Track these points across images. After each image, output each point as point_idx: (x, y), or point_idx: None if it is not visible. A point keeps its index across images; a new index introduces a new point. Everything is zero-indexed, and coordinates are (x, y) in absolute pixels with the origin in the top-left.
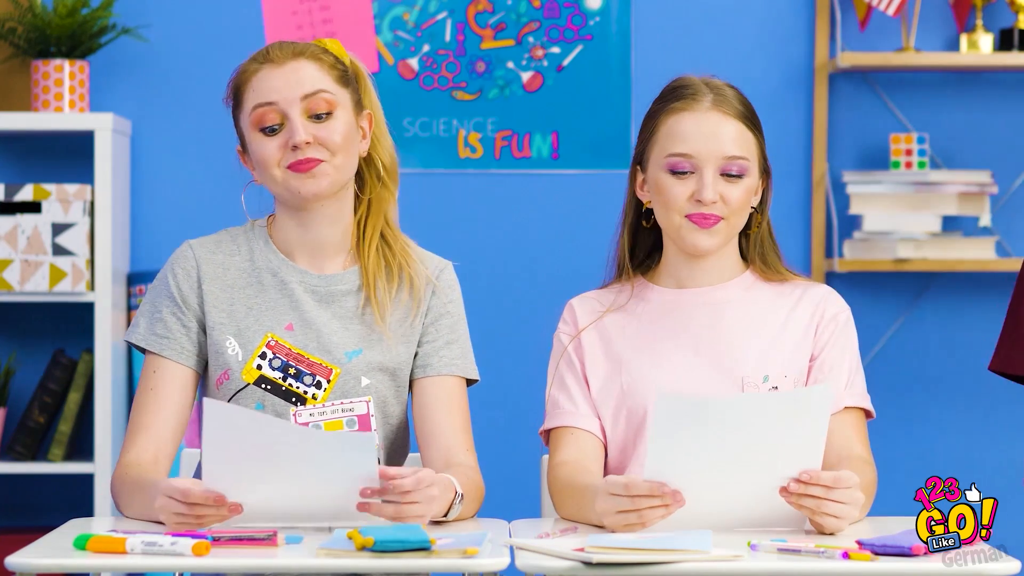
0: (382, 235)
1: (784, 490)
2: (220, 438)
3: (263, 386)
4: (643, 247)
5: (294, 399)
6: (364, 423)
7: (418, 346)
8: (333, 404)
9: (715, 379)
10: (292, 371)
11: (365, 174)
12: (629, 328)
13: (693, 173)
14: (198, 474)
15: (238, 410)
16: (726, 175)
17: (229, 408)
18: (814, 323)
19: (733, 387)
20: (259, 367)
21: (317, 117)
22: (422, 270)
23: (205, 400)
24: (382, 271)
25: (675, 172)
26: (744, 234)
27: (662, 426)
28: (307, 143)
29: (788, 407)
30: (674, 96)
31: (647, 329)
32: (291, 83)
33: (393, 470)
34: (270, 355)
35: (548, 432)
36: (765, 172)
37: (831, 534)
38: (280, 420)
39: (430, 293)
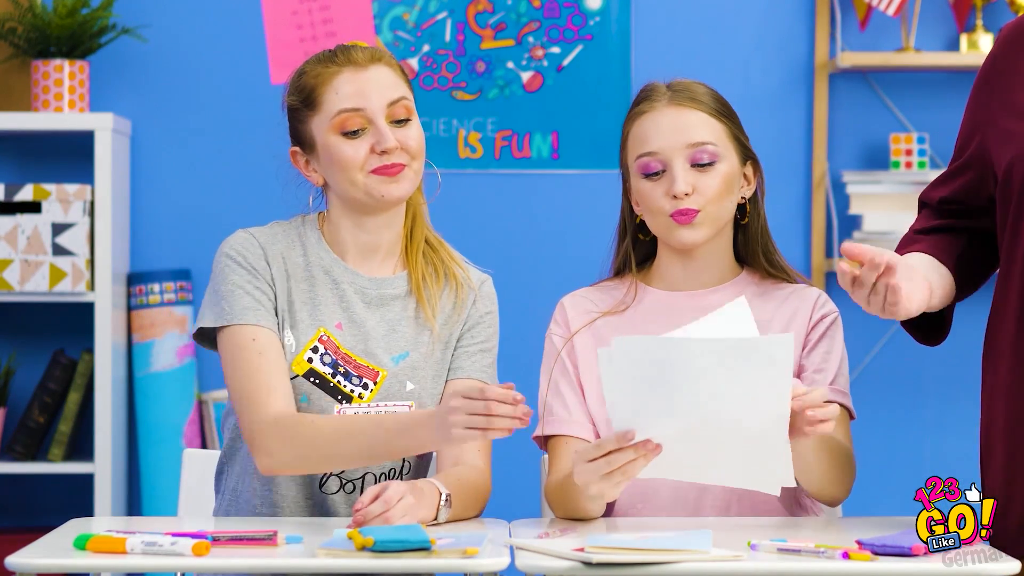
0: (426, 240)
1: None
2: (619, 373)
3: (311, 379)
4: (640, 253)
5: (340, 397)
6: None
7: (453, 350)
8: (377, 405)
9: None
10: (341, 370)
11: None
12: (622, 329)
13: (665, 171)
14: (219, 475)
15: (634, 340)
16: (697, 165)
17: (627, 341)
18: (804, 329)
19: None
20: (310, 360)
21: (398, 122)
22: (466, 277)
23: (600, 351)
24: (430, 274)
25: (648, 175)
26: (739, 230)
27: (613, 375)
28: (395, 148)
29: (743, 353)
30: (635, 102)
31: (640, 331)
32: (377, 88)
33: (359, 502)
34: (322, 349)
35: (542, 438)
36: (750, 161)
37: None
38: (678, 340)
39: (471, 301)
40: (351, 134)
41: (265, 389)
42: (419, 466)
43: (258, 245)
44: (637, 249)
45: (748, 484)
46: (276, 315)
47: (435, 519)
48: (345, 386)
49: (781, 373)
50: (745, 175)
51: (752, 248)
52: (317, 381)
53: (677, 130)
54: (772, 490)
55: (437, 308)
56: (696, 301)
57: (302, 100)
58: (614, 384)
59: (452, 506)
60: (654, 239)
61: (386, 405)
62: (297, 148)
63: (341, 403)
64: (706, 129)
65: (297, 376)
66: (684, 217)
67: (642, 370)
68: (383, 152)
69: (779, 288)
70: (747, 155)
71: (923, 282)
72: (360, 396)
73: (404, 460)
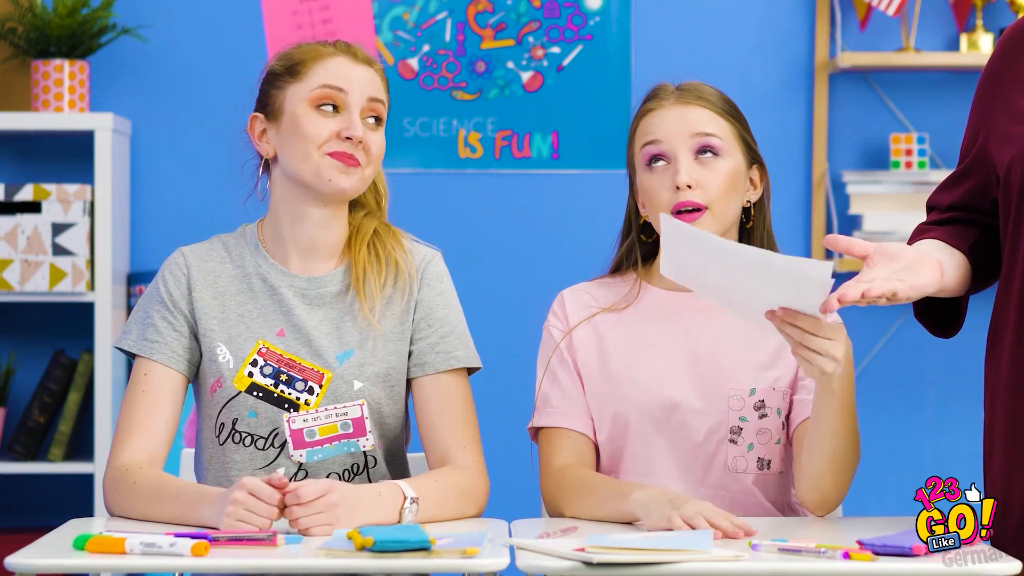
0: (375, 230)
1: (771, 314)
2: (676, 251)
3: (255, 393)
4: (642, 252)
5: (286, 405)
6: (358, 425)
7: (412, 344)
8: (327, 409)
9: (702, 388)
10: (284, 377)
11: (365, 193)
12: (620, 326)
13: (669, 164)
14: (199, 474)
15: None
16: (701, 155)
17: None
18: None
19: (719, 398)
20: (250, 374)
21: (370, 122)
22: (408, 260)
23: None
24: (372, 262)
25: (651, 165)
26: (743, 235)
27: (668, 241)
28: (359, 140)
29: (784, 272)
30: (643, 101)
31: (639, 330)
32: (364, 81)
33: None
34: (261, 362)
35: (537, 429)
36: (757, 164)
37: (818, 375)
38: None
39: (417, 287)
40: (324, 110)
41: (129, 432)
42: (392, 463)
43: (184, 272)
44: (640, 249)
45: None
46: (193, 343)
47: (398, 522)
48: (290, 394)
49: (816, 295)
50: (752, 180)
51: None
52: (261, 395)
53: (683, 122)
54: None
55: (378, 299)
56: (697, 302)
57: (287, 68)
58: (670, 251)
59: (425, 508)
60: (656, 241)
61: (336, 408)
62: (259, 114)
63: (289, 412)
64: (712, 124)
65: (240, 393)
66: (689, 215)
67: (690, 248)
68: (347, 139)
69: None
70: (754, 159)
71: (931, 260)
72: (307, 403)
73: (366, 455)
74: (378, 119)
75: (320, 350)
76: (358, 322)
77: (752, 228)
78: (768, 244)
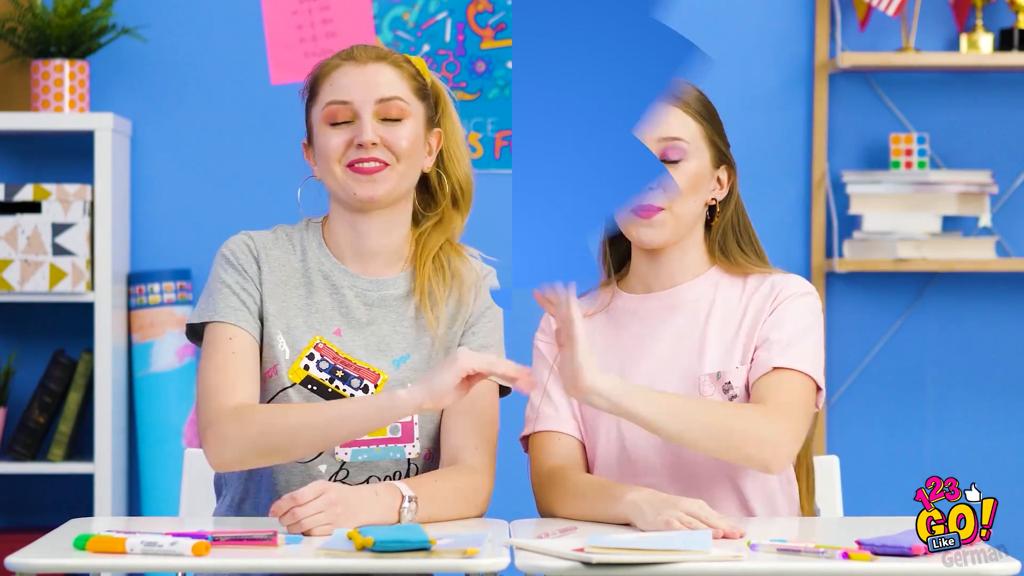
0: (441, 247)
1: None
2: None
3: (309, 386)
4: (616, 254)
5: None
6: (407, 430)
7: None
8: None
9: (682, 383)
10: (340, 374)
11: (437, 192)
12: (595, 334)
13: None
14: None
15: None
16: (665, 162)
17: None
18: (767, 309)
19: (691, 387)
20: (306, 367)
21: (387, 120)
22: (473, 272)
23: None
24: (437, 278)
25: None
26: (708, 229)
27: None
28: (373, 144)
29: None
30: None
31: (616, 336)
32: (369, 85)
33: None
34: (318, 356)
35: (528, 438)
36: (726, 164)
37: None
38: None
39: (472, 298)
40: (336, 125)
41: (230, 382)
42: (427, 469)
43: (253, 248)
44: (615, 246)
45: None
46: (260, 319)
47: (397, 522)
48: (345, 391)
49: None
50: (719, 179)
51: (712, 247)
52: (315, 388)
53: (652, 126)
54: None
55: (443, 313)
56: (669, 300)
57: (308, 90)
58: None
59: (424, 507)
60: (623, 245)
61: None
62: (306, 140)
63: None
64: (682, 127)
65: (294, 384)
66: (644, 212)
67: None
68: (360, 146)
69: (754, 277)
70: (723, 159)
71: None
72: None
73: (410, 462)
74: (397, 117)
75: (376, 353)
76: (415, 328)
77: (722, 227)
78: (729, 241)
